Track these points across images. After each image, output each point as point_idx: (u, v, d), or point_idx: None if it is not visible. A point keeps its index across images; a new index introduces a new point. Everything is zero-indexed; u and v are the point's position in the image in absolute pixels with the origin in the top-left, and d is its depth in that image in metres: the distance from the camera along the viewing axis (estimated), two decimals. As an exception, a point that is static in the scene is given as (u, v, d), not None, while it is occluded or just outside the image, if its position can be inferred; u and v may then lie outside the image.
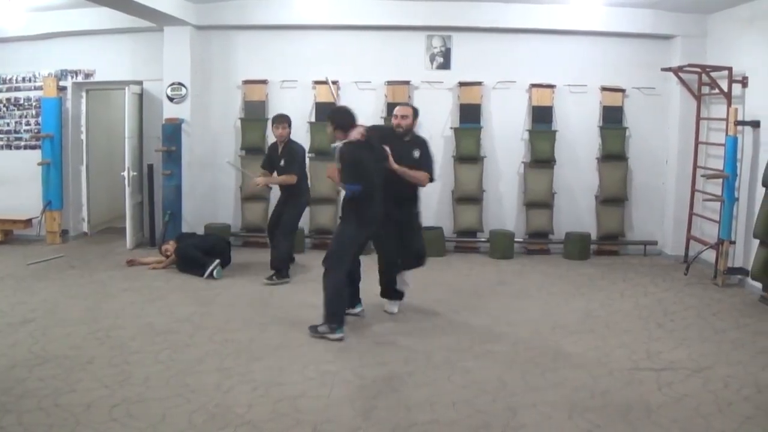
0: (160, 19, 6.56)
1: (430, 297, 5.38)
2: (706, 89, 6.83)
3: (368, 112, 6.97)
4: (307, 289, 5.38)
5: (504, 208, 7.19)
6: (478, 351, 4.18)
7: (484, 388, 3.59)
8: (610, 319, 4.90)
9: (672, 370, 3.90)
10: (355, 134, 4.25)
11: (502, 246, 6.87)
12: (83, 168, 7.42)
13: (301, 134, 6.92)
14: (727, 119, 6.21)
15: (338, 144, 4.29)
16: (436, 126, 7.05)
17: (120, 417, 3.16)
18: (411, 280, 4.99)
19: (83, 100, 7.32)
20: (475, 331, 4.57)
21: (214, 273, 5.76)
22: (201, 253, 5.88)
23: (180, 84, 6.95)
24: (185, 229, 6.88)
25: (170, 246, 6.17)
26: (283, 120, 5.78)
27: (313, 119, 7.04)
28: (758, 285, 5.61)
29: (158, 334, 4.36)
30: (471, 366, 3.91)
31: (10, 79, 7.46)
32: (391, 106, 6.89)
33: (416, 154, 4.64)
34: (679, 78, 6.91)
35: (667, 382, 3.74)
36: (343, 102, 6.99)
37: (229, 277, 5.82)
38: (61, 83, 7.30)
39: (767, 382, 3.77)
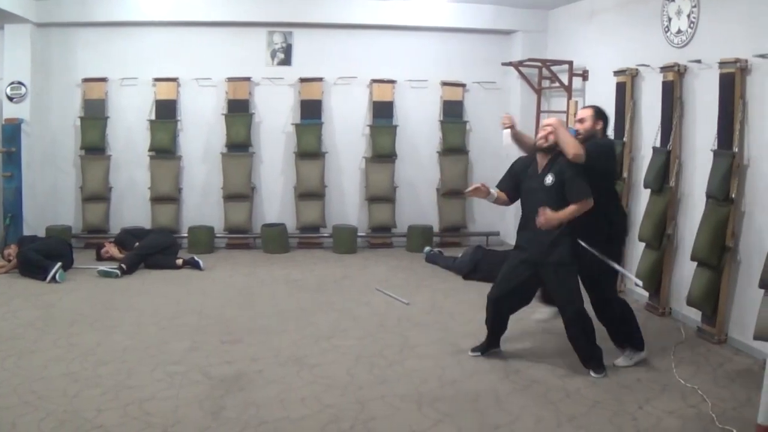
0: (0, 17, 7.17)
1: (274, 293, 5.99)
2: (546, 83, 7.77)
3: (209, 110, 7.84)
4: (153, 291, 5.97)
5: (346, 203, 8.05)
6: (325, 346, 4.58)
7: (332, 383, 3.93)
8: (455, 309, 5.47)
9: (519, 358, 4.38)
10: None
11: (345, 241, 7.75)
12: None
13: (140, 132, 7.76)
14: (567, 112, 7.15)
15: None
16: (277, 122, 7.89)
17: None
18: None
19: None
20: (321, 327, 5.01)
21: (57, 276, 6.24)
22: (42, 257, 6.35)
23: (20, 83, 7.57)
24: (27, 231, 7.42)
25: (12, 250, 6.66)
26: None
27: (153, 117, 7.78)
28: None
29: (2, 341, 4.57)
30: (319, 361, 4.28)
31: None
32: (231, 103, 7.80)
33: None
34: (520, 72, 7.82)
35: (515, 369, 4.19)
36: (182, 99, 7.86)
37: (72, 279, 6.26)
38: None
39: (615, 367, 4.25)
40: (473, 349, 4.51)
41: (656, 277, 5.55)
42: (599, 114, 4.31)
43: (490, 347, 4.49)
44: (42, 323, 5.05)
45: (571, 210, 3.98)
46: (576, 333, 4.12)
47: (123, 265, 6.56)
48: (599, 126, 4.27)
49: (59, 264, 6.34)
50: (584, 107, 4.53)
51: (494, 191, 4.34)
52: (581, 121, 4.27)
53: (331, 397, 3.77)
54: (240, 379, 4.01)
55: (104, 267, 6.54)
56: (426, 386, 3.94)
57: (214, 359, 4.31)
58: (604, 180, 4.20)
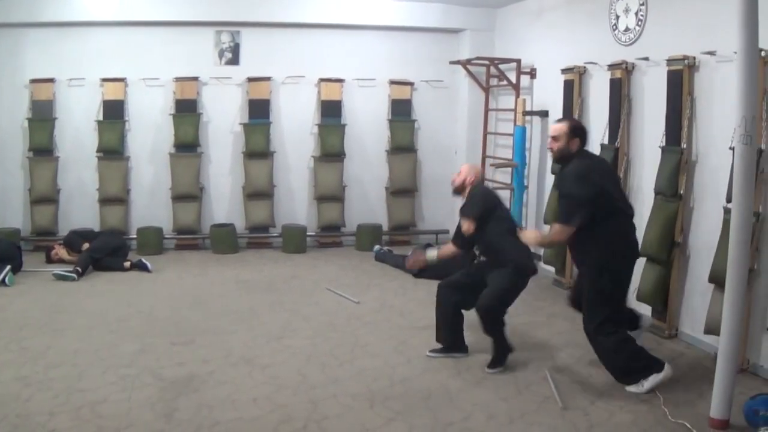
0: None
1: (224, 294, 6.11)
2: (494, 81, 7.95)
3: (156, 110, 7.93)
4: (103, 293, 6.06)
5: (295, 202, 8.18)
6: (276, 346, 4.68)
7: (284, 382, 4.02)
8: (405, 308, 5.60)
9: (470, 356, 4.46)
10: None
11: (294, 240, 7.89)
12: None
13: (88, 133, 7.86)
14: (515, 110, 7.29)
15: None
16: (225, 122, 8.00)
17: None
18: None
19: None
20: (272, 327, 5.12)
21: (6, 279, 6.29)
22: None
23: (-33, 85, 7.73)
24: None
25: None
26: None
27: (101, 117, 7.85)
28: (551, 269, 6.63)
29: None
30: (270, 362, 4.37)
31: None
32: (179, 103, 7.90)
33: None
34: (468, 71, 8.00)
35: (466, 366, 4.30)
36: (130, 99, 7.95)
37: (21, 283, 6.29)
38: None
39: (564, 363, 4.40)
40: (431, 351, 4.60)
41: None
42: (575, 131, 3.93)
43: (449, 350, 4.55)
44: (-9, 327, 5.03)
45: (549, 234, 4.16)
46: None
47: (78, 268, 6.67)
48: (574, 145, 3.91)
49: (8, 267, 6.41)
50: (558, 121, 4.12)
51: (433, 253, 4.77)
52: (555, 138, 3.93)
53: (283, 397, 3.85)
54: (192, 380, 4.09)
55: (60, 270, 6.60)
56: (377, 384, 4.04)
57: (165, 361, 4.37)
58: (590, 205, 3.81)
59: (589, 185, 3.81)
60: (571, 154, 3.93)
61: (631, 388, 3.95)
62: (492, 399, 3.87)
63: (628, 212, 4.02)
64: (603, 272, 3.87)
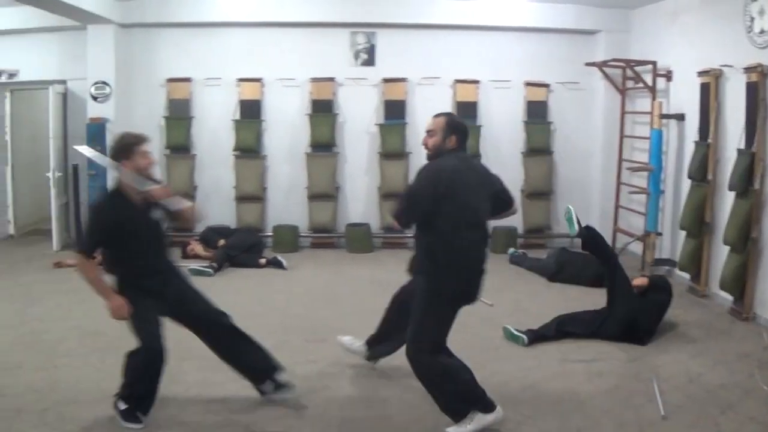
0: (83, 18, 7.36)
1: (357, 293, 6.11)
2: (630, 83, 7.83)
3: (293, 110, 8.04)
4: (237, 289, 6.12)
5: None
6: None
7: (412, 384, 3.74)
8: (538, 312, 5.40)
9: (602, 361, 4.42)
10: None
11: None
12: (8, 169, 8.26)
13: (224, 132, 7.98)
14: (651, 113, 7.16)
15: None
16: (360, 122, 8.07)
17: (51, 421, 3.51)
18: None
19: (7, 101, 8.18)
20: None
21: None
22: None
23: (104, 83, 7.87)
24: None
25: None
26: None
27: (237, 117, 7.99)
28: (686, 275, 6.53)
29: (87, 336, 4.77)
30: (401, 363, 3.95)
31: (-68, 80, 8.41)
32: (315, 103, 8.00)
33: None
34: (604, 73, 7.96)
35: (598, 373, 4.23)
36: (266, 99, 8.07)
37: None
38: (-16, 84, 8.26)
39: (698, 371, 4.30)
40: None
41: (740, 282, 5.55)
42: (453, 127, 3.53)
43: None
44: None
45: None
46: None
47: (214, 264, 6.74)
48: (451, 142, 3.49)
49: None
50: (437, 115, 3.66)
51: None
52: (430, 133, 3.56)
53: (412, 398, 3.80)
54: (323, 377, 4.13)
55: (196, 266, 6.71)
56: (508, 388, 4.02)
57: (298, 357, 4.37)
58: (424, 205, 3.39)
59: (433, 186, 3.37)
60: (445, 151, 3.49)
61: None
62: (622, 406, 3.80)
63: (473, 226, 3.44)
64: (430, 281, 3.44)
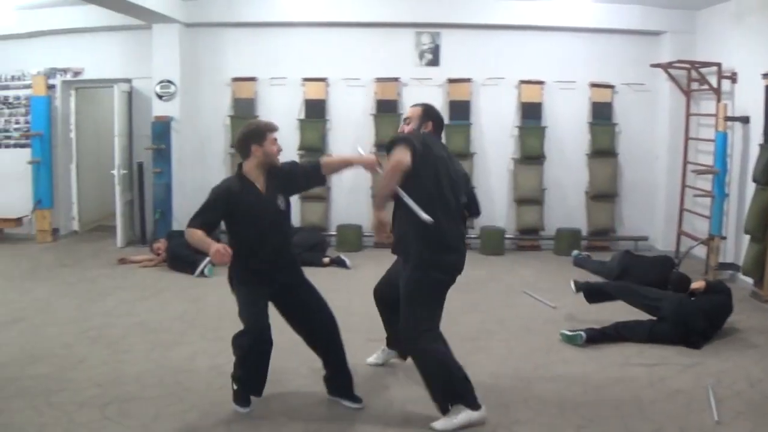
0: (149, 17, 7.50)
1: None
2: (695, 85, 7.77)
3: (357, 110, 8.10)
4: None
5: (494, 204, 8.18)
6: (470, 348, 4.59)
7: (474, 384, 3.60)
8: (601, 315, 5.34)
9: (664, 366, 4.40)
10: None
11: (492, 242, 7.88)
12: (73, 166, 8.42)
13: (289, 131, 8.05)
14: (716, 115, 7.08)
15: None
16: (426, 123, 8.17)
17: (113, 416, 3.55)
18: None
19: (72, 99, 8.32)
20: (467, 328, 5.06)
21: (205, 271, 6.57)
22: (192, 251, 6.54)
23: (169, 82, 7.98)
24: (175, 227, 7.76)
25: (161, 244, 7.03)
26: None
27: (302, 116, 8.07)
28: (749, 280, 6.44)
29: (150, 332, 4.85)
30: (462, 363, 3.96)
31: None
32: (380, 104, 8.06)
33: None
34: (668, 74, 7.93)
35: (659, 377, 4.21)
36: (331, 99, 8.14)
37: (220, 275, 6.28)
38: (50, 81, 8.29)
39: (759, 377, 4.24)
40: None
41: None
42: (429, 114, 3.75)
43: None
44: (189, 316, 5.28)
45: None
46: None
47: None
48: (427, 127, 3.70)
49: (208, 259, 6.51)
50: (414, 105, 3.88)
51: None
52: (407, 121, 3.77)
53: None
54: (384, 377, 4.17)
55: None
56: (570, 391, 4.00)
57: (360, 356, 4.34)
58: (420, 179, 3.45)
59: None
60: None
61: None
62: (684, 411, 3.78)
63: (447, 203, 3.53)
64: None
